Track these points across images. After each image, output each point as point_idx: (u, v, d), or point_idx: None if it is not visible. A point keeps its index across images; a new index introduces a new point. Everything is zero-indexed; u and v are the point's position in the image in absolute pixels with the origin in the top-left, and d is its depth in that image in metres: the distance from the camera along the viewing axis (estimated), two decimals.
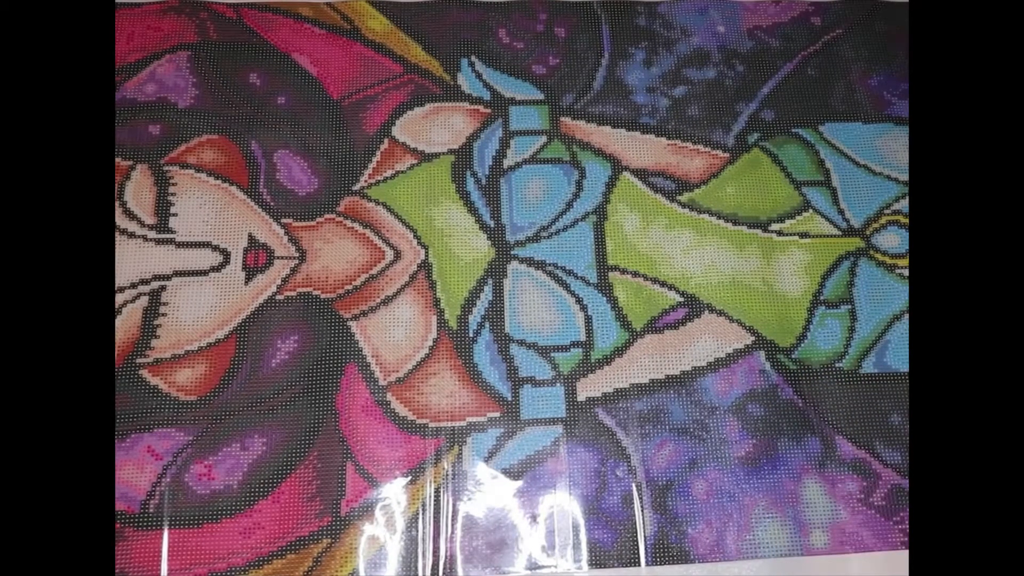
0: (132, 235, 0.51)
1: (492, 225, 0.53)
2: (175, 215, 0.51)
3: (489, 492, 0.46)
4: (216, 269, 0.50)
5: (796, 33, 0.60)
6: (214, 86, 0.55)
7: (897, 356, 0.50)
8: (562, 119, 0.56)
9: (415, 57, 0.57)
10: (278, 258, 0.51)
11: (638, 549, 0.44)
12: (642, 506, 0.46)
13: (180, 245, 0.51)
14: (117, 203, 0.51)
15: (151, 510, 0.44)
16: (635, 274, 0.52)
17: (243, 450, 0.46)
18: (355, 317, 0.50)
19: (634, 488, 0.46)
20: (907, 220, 0.54)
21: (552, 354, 0.49)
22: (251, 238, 0.51)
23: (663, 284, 0.52)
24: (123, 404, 0.46)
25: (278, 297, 0.50)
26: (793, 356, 0.50)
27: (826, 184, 0.55)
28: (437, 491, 0.45)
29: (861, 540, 0.45)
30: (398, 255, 0.51)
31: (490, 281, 0.51)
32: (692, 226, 0.53)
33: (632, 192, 0.54)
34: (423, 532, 0.44)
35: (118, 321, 0.48)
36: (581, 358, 0.49)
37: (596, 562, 0.44)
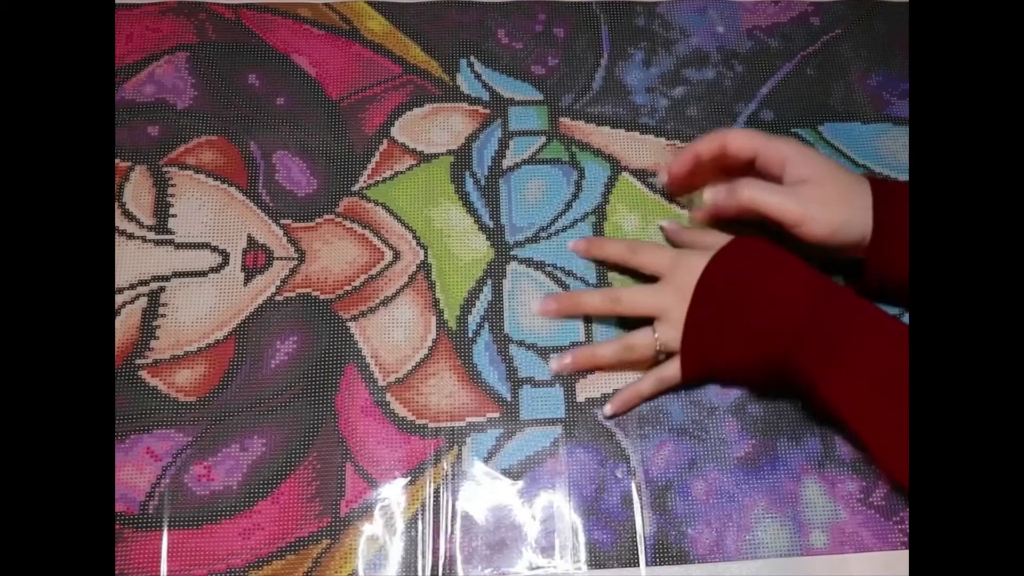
0: (131, 236, 0.51)
1: (491, 226, 0.53)
2: (174, 216, 0.51)
3: (489, 492, 0.46)
4: (215, 270, 0.50)
5: (795, 33, 0.60)
6: (213, 87, 0.55)
7: None
8: (561, 119, 0.56)
9: (414, 58, 0.57)
10: (277, 259, 0.51)
11: (637, 549, 0.44)
12: (641, 506, 0.46)
13: (179, 246, 0.51)
14: (116, 204, 0.51)
15: (150, 511, 0.44)
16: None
17: (242, 451, 0.46)
18: (354, 318, 0.50)
19: (633, 489, 0.46)
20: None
21: (552, 355, 0.49)
22: (250, 239, 0.51)
23: None
24: (122, 405, 0.46)
25: (277, 298, 0.50)
26: None
27: None
28: (436, 491, 0.45)
29: (861, 540, 0.45)
30: (397, 256, 0.51)
31: (489, 282, 0.51)
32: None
33: (631, 192, 0.54)
34: (423, 532, 0.44)
35: (117, 322, 0.48)
36: None
37: (595, 562, 0.44)
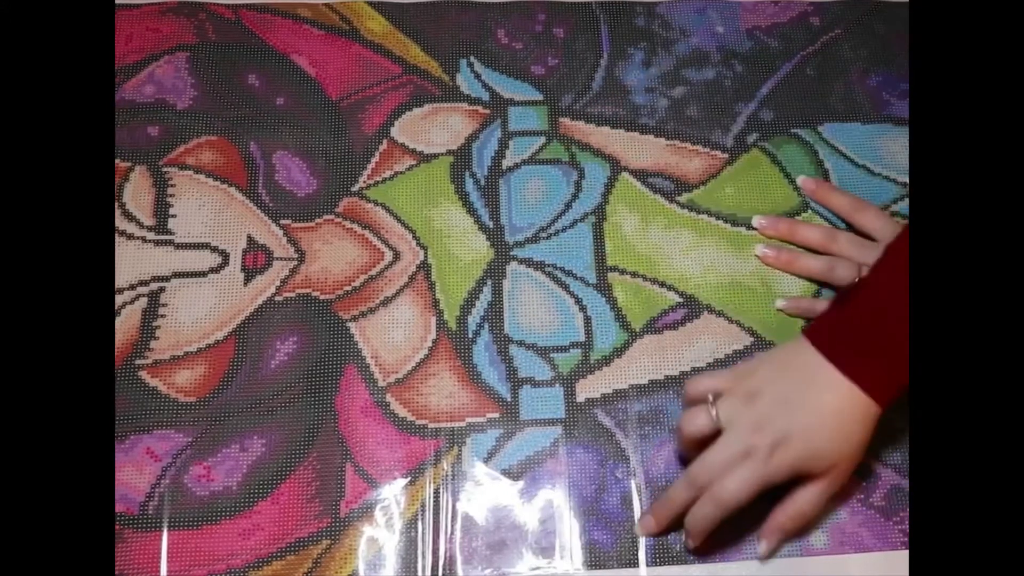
0: (131, 236, 0.51)
1: (491, 226, 0.53)
2: (174, 216, 0.51)
3: (489, 493, 0.46)
4: (215, 270, 0.50)
5: (795, 33, 0.60)
6: (213, 87, 0.55)
7: None
8: (561, 120, 0.56)
9: (414, 58, 0.57)
10: (277, 259, 0.51)
11: (637, 550, 0.44)
12: (641, 507, 0.45)
13: (179, 246, 0.51)
14: (116, 204, 0.51)
15: (150, 512, 0.44)
16: (634, 274, 0.52)
17: (242, 451, 0.46)
18: (354, 318, 0.50)
19: (633, 489, 0.46)
20: (906, 221, 0.54)
21: (551, 355, 0.49)
22: (250, 239, 0.51)
23: (662, 284, 0.52)
24: (122, 405, 0.46)
25: (277, 298, 0.50)
26: None
27: None
28: (436, 492, 0.45)
29: (861, 540, 0.45)
30: (397, 256, 0.51)
31: (489, 282, 0.51)
32: (691, 227, 0.53)
33: (631, 193, 0.54)
34: (423, 533, 0.44)
35: (117, 322, 0.48)
36: (580, 359, 0.49)
37: (595, 563, 0.44)
